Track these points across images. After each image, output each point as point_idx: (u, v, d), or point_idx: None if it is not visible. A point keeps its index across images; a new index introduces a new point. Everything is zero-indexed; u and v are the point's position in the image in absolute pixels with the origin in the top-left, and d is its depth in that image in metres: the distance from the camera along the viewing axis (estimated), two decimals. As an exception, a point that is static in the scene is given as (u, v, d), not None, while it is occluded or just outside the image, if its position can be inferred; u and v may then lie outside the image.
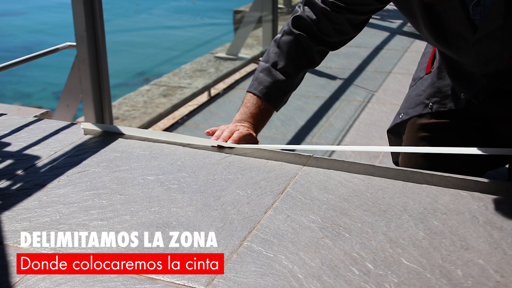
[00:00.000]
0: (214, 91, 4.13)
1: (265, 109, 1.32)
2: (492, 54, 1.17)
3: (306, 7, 1.35)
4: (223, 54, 4.90)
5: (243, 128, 1.27)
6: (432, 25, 1.20)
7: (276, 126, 3.43)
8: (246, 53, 4.95)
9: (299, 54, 1.34)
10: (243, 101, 1.34)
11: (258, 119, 1.32)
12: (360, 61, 4.66)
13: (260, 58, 1.39)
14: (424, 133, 1.39)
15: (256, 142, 1.27)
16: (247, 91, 1.34)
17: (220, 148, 1.22)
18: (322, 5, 1.32)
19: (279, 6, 5.81)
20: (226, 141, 1.24)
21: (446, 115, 1.36)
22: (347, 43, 1.40)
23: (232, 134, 1.25)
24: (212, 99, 4.01)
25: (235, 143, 1.23)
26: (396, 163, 1.53)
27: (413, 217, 0.95)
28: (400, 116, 1.44)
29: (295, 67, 1.35)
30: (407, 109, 1.43)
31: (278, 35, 1.37)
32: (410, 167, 1.18)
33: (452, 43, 1.20)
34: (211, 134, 1.28)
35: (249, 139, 1.26)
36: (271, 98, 1.32)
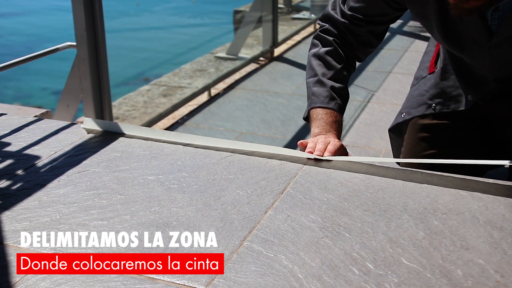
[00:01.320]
0: (214, 91, 4.13)
1: (337, 115, 1.29)
2: (507, 59, 1.17)
3: (327, 24, 1.35)
4: (223, 54, 4.90)
5: (334, 139, 1.22)
6: (446, 29, 1.20)
7: (276, 126, 3.43)
8: (246, 53, 4.95)
9: (342, 59, 1.33)
10: (309, 120, 1.31)
11: (337, 127, 1.28)
12: (360, 61, 4.65)
13: (308, 79, 1.36)
14: (425, 133, 1.39)
15: (347, 153, 1.23)
16: (309, 109, 1.31)
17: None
18: (343, 20, 1.32)
19: (279, 6, 5.81)
20: (322, 154, 1.17)
21: (448, 116, 1.36)
22: (371, 53, 1.40)
23: (326, 146, 1.19)
24: (212, 99, 4.00)
25: (332, 155, 1.17)
26: (397, 163, 1.53)
27: (413, 217, 0.95)
28: (402, 116, 1.44)
29: (342, 73, 1.33)
30: (409, 108, 1.43)
31: (313, 50, 1.36)
32: (411, 167, 1.18)
33: (466, 48, 1.20)
34: (304, 146, 1.21)
35: (341, 149, 1.21)
36: (335, 105, 1.29)
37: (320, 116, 1.27)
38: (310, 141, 1.22)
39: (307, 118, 1.35)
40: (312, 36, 1.41)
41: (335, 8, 1.36)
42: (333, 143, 1.20)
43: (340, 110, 1.29)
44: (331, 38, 1.33)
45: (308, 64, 1.38)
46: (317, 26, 1.40)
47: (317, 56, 1.34)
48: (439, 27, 1.20)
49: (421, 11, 1.23)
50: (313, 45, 1.38)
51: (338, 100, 1.29)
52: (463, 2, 1.03)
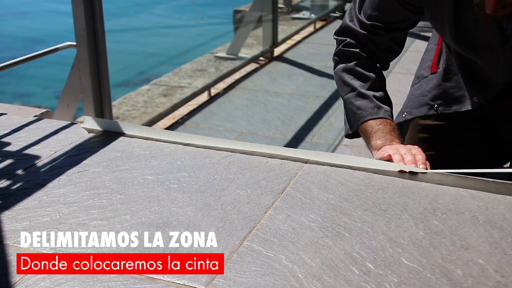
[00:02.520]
0: (214, 90, 4.13)
1: (391, 123, 1.25)
2: None
3: (347, 38, 1.32)
4: (223, 54, 4.90)
5: (417, 148, 1.17)
6: (459, 33, 1.19)
7: (276, 126, 3.43)
8: (246, 52, 4.95)
9: (373, 69, 1.31)
10: (362, 134, 1.27)
11: (397, 134, 1.24)
12: (360, 61, 4.65)
13: (345, 95, 1.31)
14: (425, 134, 1.39)
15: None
16: (358, 125, 1.27)
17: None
18: (363, 31, 1.30)
19: (279, 5, 5.81)
20: (417, 165, 1.12)
21: (450, 117, 1.36)
22: (393, 60, 1.38)
23: (414, 156, 1.14)
24: (212, 99, 4.01)
25: (427, 167, 1.12)
26: None
27: (413, 216, 0.95)
28: (403, 115, 1.44)
29: (378, 81, 1.31)
30: (410, 108, 1.43)
31: (340, 66, 1.33)
32: None
33: (479, 51, 1.20)
34: (387, 158, 1.16)
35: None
36: (385, 114, 1.25)
37: (377, 127, 1.24)
38: (395, 153, 1.15)
39: (352, 135, 1.32)
40: (334, 54, 1.37)
41: (353, 20, 1.33)
42: (418, 151, 1.16)
43: (391, 117, 1.27)
44: (356, 50, 1.30)
45: (340, 81, 1.33)
46: (335, 40, 1.36)
47: (348, 71, 1.31)
48: (452, 30, 1.19)
49: (436, 14, 1.22)
50: (338, 62, 1.34)
51: (385, 107, 1.26)
52: (499, 10, 1.03)
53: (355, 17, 1.32)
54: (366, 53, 1.30)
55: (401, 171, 1.10)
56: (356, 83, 1.29)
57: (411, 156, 1.13)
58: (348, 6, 6.87)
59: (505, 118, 1.32)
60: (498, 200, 0.99)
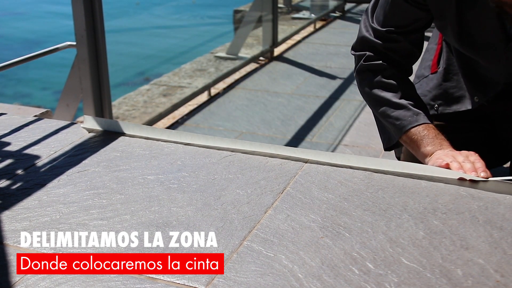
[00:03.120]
0: (214, 90, 4.13)
1: (433, 127, 1.23)
2: None
3: (366, 52, 1.30)
4: (223, 54, 4.90)
5: (473, 155, 1.15)
6: (462, 32, 1.19)
7: (276, 126, 3.43)
8: (246, 52, 4.95)
9: (401, 77, 1.29)
10: (408, 144, 1.25)
11: (444, 137, 1.22)
12: (360, 61, 4.65)
13: (377, 110, 1.29)
14: None
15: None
16: (401, 136, 1.25)
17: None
18: (380, 41, 1.27)
19: (279, 5, 5.81)
20: (472, 173, 1.10)
21: (450, 117, 1.36)
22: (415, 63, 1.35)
23: (473, 163, 1.11)
24: (212, 99, 4.01)
25: (488, 175, 1.09)
26: (398, 158, 1.53)
27: (413, 216, 0.95)
28: None
29: (409, 88, 1.29)
30: None
31: (367, 82, 1.30)
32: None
33: (481, 51, 1.20)
34: (445, 166, 1.12)
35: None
36: (425, 119, 1.24)
37: (422, 134, 1.22)
38: (452, 160, 1.12)
39: (392, 146, 1.30)
40: (356, 71, 1.34)
41: (368, 30, 1.31)
42: (476, 158, 1.13)
43: (431, 121, 1.24)
44: (378, 62, 1.28)
45: (369, 97, 1.31)
46: (352, 53, 1.33)
47: (376, 85, 1.28)
48: (455, 29, 1.19)
49: (439, 12, 1.21)
50: (364, 79, 1.31)
51: (423, 113, 1.24)
52: None
53: (369, 27, 1.30)
54: (388, 63, 1.28)
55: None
56: (387, 95, 1.26)
57: (470, 164, 1.11)
58: (347, 6, 6.84)
59: (505, 118, 1.32)
60: (498, 200, 0.99)
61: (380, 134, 1.36)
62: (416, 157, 1.40)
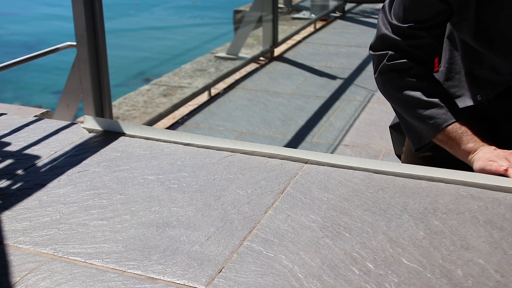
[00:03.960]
0: (214, 90, 4.13)
1: (467, 124, 1.19)
2: None
3: (388, 51, 1.25)
4: (223, 54, 4.90)
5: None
6: (479, 29, 1.17)
7: (276, 126, 3.43)
8: (246, 52, 4.96)
9: (427, 75, 1.25)
10: (446, 143, 1.21)
11: (480, 131, 1.19)
12: (360, 61, 4.66)
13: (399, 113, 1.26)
14: None
15: None
16: (435, 135, 1.21)
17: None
18: (402, 39, 1.23)
19: (279, 6, 5.81)
20: None
21: None
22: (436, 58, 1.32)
23: None
24: (212, 99, 4.01)
25: None
26: (398, 156, 1.53)
27: (413, 216, 0.95)
28: None
29: (437, 85, 1.25)
30: None
31: (393, 83, 1.25)
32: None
33: (496, 47, 1.18)
34: (503, 172, 1.09)
35: None
36: (459, 116, 1.20)
37: (460, 131, 1.18)
38: (503, 166, 1.08)
39: (423, 146, 1.26)
40: (378, 72, 1.28)
41: (388, 28, 1.25)
42: None
43: (465, 116, 1.21)
44: (403, 61, 1.23)
45: (397, 98, 1.26)
46: (372, 53, 1.28)
47: (404, 85, 1.23)
48: (472, 25, 1.17)
49: (459, 5, 1.18)
50: (389, 80, 1.26)
51: (456, 109, 1.20)
52: None
53: (389, 25, 1.25)
54: (412, 61, 1.23)
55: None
56: (416, 94, 1.22)
57: None
58: (348, 6, 6.83)
59: (507, 118, 1.32)
60: (498, 200, 1.00)
61: (408, 135, 1.31)
62: (414, 160, 1.40)
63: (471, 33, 1.19)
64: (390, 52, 1.24)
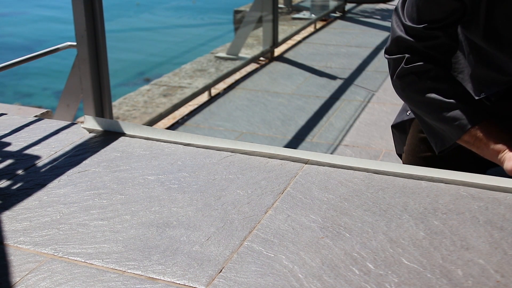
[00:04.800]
0: (214, 91, 4.13)
1: (495, 123, 1.17)
2: None
3: (405, 54, 1.23)
4: (223, 54, 4.90)
5: None
6: (488, 28, 1.16)
7: (276, 126, 3.43)
8: (246, 53, 4.96)
9: (446, 76, 1.22)
10: (472, 144, 1.18)
11: (508, 130, 1.16)
12: (360, 61, 4.66)
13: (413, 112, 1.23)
14: (424, 135, 1.38)
15: None
16: (461, 136, 1.18)
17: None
18: (418, 41, 1.21)
19: (279, 6, 5.81)
20: None
21: None
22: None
23: None
24: (212, 99, 4.01)
25: None
26: (399, 156, 1.52)
27: (413, 217, 0.95)
28: (407, 113, 1.43)
29: (458, 86, 1.22)
30: None
31: (412, 87, 1.23)
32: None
33: (505, 47, 1.16)
34: None
35: None
36: (484, 116, 1.17)
37: (487, 130, 1.15)
38: None
39: (447, 149, 1.23)
40: (395, 76, 1.25)
41: (402, 30, 1.22)
42: None
43: (489, 116, 1.18)
44: (421, 64, 1.20)
45: (418, 101, 1.23)
46: (387, 57, 1.25)
47: (425, 88, 1.21)
48: (481, 24, 1.15)
49: (471, 5, 1.17)
50: (409, 83, 1.23)
51: (480, 109, 1.18)
52: None
53: (403, 27, 1.23)
54: (431, 62, 1.21)
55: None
56: (438, 96, 1.19)
57: None
58: (348, 7, 6.83)
59: (508, 118, 1.31)
60: (498, 200, 1.00)
61: (430, 138, 1.27)
62: (414, 161, 1.39)
63: (480, 32, 1.17)
64: (407, 55, 1.22)
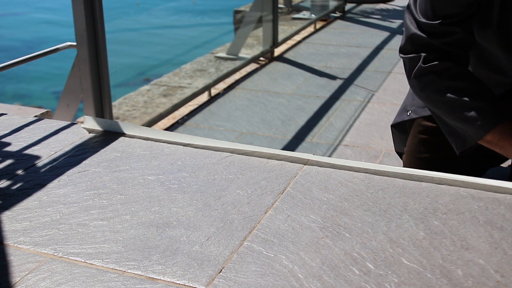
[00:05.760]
0: (214, 91, 4.13)
1: None
2: None
3: (422, 53, 1.19)
4: (223, 54, 4.90)
5: None
6: (502, 32, 1.14)
7: (276, 126, 3.43)
8: (246, 53, 4.96)
9: (466, 74, 1.20)
10: (495, 143, 1.16)
11: None
12: (360, 61, 4.66)
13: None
14: (425, 135, 1.38)
15: None
16: (483, 136, 1.16)
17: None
18: (434, 38, 1.17)
19: (279, 6, 5.81)
20: None
21: None
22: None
23: None
24: (212, 99, 4.01)
25: None
26: (398, 153, 1.52)
27: (413, 217, 0.95)
28: (408, 114, 1.42)
29: (477, 83, 1.19)
30: (416, 107, 1.40)
31: (432, 87, 1.20)
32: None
33: None
34: None
35: None
36: (505, 116, 1.14)
37: (509, 130, 1.13)
38: None
39: (468, 149, 1.21)
40: (413, 76, 1.22)
41: (418, 27, 1.19)
42: None
43: (509, 116, 1.16)
44: (440, 63, 1.17)
45: (439, 101, 1.19)
46: (403, 56, 1.23)
47: (445, 87, 1.18)
48: (495, 29, 1.14)
49: (485, 5, 1.15)
50: (428, 83, 1.19)
51: (501, 106, 1.15)
52: None
53: (417, 24, 1.19)
54: (450, 60, 1.18)
55: None
56: (459, 96, 1.15)
57: None
58: (348, 7, 6.81)
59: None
60: (498, 200, 0.99)
61: (450, 138, 1.25)
62: (414, 162, 1.39)
63: (494, 30, 1.14)
64: (423, 54, 1.18)
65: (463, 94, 1.16)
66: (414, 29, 1.20)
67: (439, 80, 1.18)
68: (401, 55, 1.25)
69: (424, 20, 1.18)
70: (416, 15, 1.20)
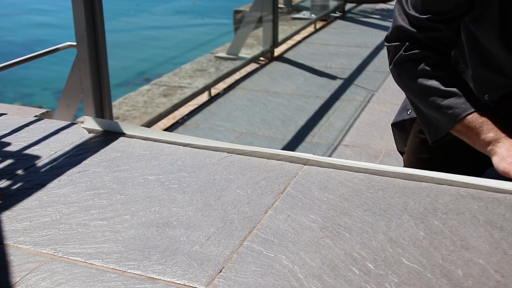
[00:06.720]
0: (214, 91, 4.13)
1: (487, 113, 1.15)
2: None
3: (406, 42, 1.21)
4: (223, 54, 4.90)
5: None
6: (503, 29, 1.15)
7: (276, 126, 3.43)
8: (246, 53, 4.96)
9: (445, 64, 1.21)
10: (464, 133, 1.17)
11: (501, 120, 1.15)
12: (360, 61, 4.66)
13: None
14: (424, 135, 1.38)
15: None
16: (454, 125, 1.16)
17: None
18: (420, 31, 1.19)
19: (279, 6, 5.81)
20: None
21: None
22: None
23: None
24: (212, 99, 4.01)
25: None
26: (400, 152, 1.52)
27: (413, 217, 0.95)
28: (408, 113, 1.42)
29: (455, 74, 1.21)
30: None
31: (409, 74, 1.21)
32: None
33: None
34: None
35: None
36: (480, 106, 1.15)
37: (479, 120, 1.13)
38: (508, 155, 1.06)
39: (441, 139, 1.22)
40: (393, 63, 1.24)
41: (405, 19, 1.21)
42: None
43: (484, 107, 1.16)
44: (420, 51, 1.19)
45: (414, 88, 1.22)
46: (387, 44, 1.24)
47: (421, 74, 1.19)
48: (496, 26, 1.15)
49: (483, 4, 1.16)
50: (405, 70, 1.22)
51: (475, 98, 1.16)
52: None
53: (406, 16, 1.21)
54: (430, 51, 1.19)
55: None
56: (434, 84, 1.17)
57: None
58: (348, 7, 6.83)
59: (509, 117, 1.31)
60: (498, 200, 0.99)
61: (424, 127, 1.27)
62: (414, 163, 1.39)
63: (495, 28, 1.15)
64: (408, 44, 1.20)
65: (437, 82, 1.17)
66: (401, 20, 1.22)
67: (417, 67, 1.19)
68: (387, 44, 1.27)
69: (412, 13, 1.19)
70: (406, 6, 1.21)
